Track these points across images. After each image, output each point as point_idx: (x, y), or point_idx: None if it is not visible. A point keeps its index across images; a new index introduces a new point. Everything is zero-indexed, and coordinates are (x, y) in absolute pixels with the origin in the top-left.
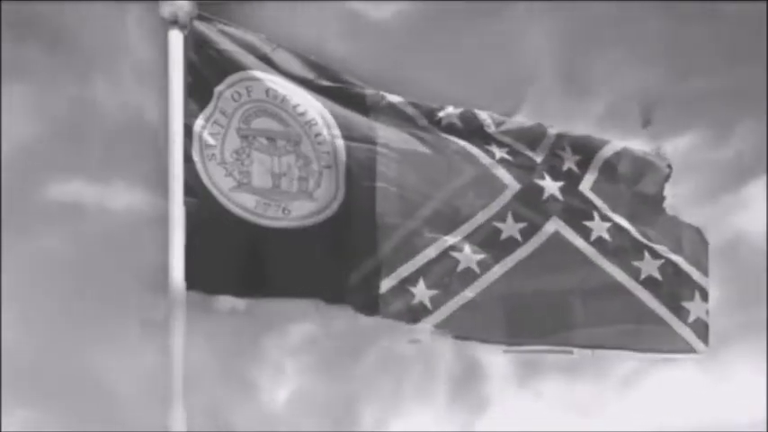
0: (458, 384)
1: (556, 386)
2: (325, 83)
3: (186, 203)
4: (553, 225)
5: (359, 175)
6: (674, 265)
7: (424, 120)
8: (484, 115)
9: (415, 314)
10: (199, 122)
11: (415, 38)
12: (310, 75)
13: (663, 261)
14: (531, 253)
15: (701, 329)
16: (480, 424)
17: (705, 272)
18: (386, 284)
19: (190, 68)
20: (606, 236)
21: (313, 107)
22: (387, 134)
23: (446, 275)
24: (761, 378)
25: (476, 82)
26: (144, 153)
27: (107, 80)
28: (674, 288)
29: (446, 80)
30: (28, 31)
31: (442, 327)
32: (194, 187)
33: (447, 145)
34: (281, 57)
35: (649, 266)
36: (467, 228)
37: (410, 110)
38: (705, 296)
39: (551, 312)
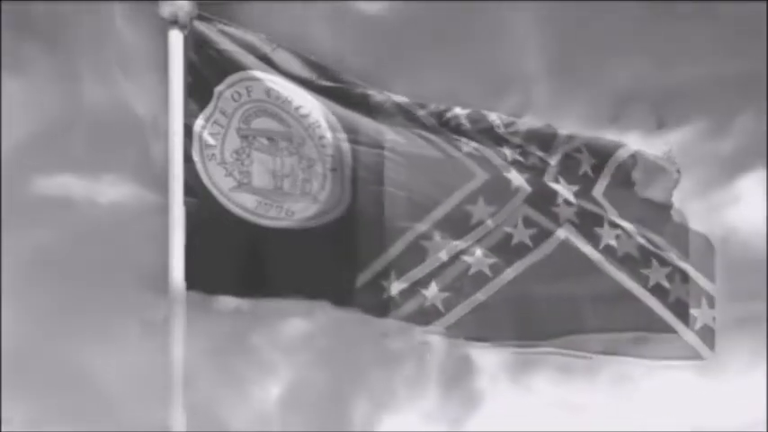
0: (450, 381)
1: (548, 383)
2: (326, 83)
3: (186, 203)
4: (564, 232)
5: (366, 179)
6: (682, 272)
7: (432, 120)
8: (493, 116)
9: (428, 316)
10: (199, 122)
11: (407, 32)
12: (311, 75)
13: (670, 269)
14: (541, 258)
15: (708, 336)
16: (472, 420)
17: (712, 279)
18: (396, 287)
19: (190, 68)
20: (614, 243)
21: (316, 109)
22: (394, 137)
23: (458, 278)
24: (759, 374)
25: (467, 76)
26: (134, 148)
27: (97, 76)
28: (681, 295)
29: (438, 75)
30: (25, 30)
31: (454, 329)
32: (194, 187)
33: (458, 146)
34: (282, 57)
35: (657, 274)
36: (478, 232)
37: (417, 110)
38: (712, 303)
39: (562, 317)
